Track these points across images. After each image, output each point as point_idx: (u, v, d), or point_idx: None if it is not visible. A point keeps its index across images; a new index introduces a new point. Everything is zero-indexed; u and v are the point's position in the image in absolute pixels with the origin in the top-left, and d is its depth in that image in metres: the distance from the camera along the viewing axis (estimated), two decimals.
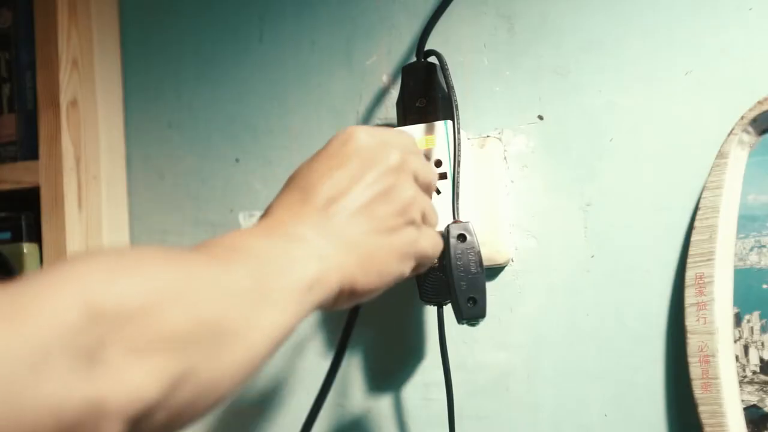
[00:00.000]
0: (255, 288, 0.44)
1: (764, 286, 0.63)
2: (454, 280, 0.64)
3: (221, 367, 0.41)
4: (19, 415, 0.32)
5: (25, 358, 0.32)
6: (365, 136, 0.54)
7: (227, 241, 0.46)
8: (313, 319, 0.82)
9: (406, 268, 0.54)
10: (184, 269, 0.41)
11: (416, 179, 0.55)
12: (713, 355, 0.63)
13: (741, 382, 0.63)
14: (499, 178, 0.74)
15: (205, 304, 0.40)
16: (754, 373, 0.63)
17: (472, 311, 0.65)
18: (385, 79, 0.80)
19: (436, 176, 0.60)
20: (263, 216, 0.51)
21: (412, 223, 0.54)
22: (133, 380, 0.36)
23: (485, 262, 0.68)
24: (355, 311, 0.59)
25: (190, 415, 0.40)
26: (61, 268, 0.36)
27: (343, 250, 0.49)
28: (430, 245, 0.56)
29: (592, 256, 0.71)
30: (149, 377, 0.36)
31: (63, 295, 0.35)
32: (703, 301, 0.63)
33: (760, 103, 0.63)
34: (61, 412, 0.33)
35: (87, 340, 0.34)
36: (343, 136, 0.54)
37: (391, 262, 0.52)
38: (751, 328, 0.63)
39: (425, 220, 0.56)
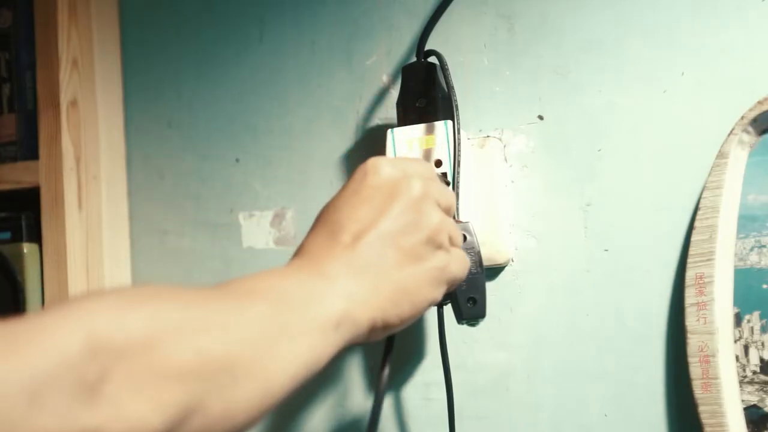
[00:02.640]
0: (273, 324, 0.43)
1: (764, 286, 0.63)
2: None
3: (234, 400, 0.41)
4: None
5: (23, 389, 0.33)
6: (386, 167, 0.53)
7: (249, 281, 0.46)
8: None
9: (438, 294, 0.54)
10: (194, 305, 0.41)
11: (438, 205, 0.55)
12: (713, 355, 0.63)
13: (741, 382, 0.63)
14: (499, 178, 0.74)
15: (214, 339, 0.40)
16: (755, 373, 0.63)
17: (472, 311, 0.65)
18: (385, 79, 0.80)
19: (455, 199, 0.59)
20: (294, 255, 0.51)
21: (440, 247, 0.53)
22: (135, 412, 0.36)
23: (485, 262, 0.68)
24: (390, 341, 0.58)
25: None
26: (65, 304, 0.37)
27: (372, 285, 0.49)
28: (460, 267, 0.56)
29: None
30: (152, 410, 0.36)
31: (66, 329, 0.35)
32: (703, 301, 0.63)
33: (760, 103, 0.63)
34: None
35: (88, 373, 0.35)
36: (364, 170, 0.54)
37: (423, 291, 0.52)
38: (751, 328, 0.63)
39: (452, 242, 0.55)
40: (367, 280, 0.49)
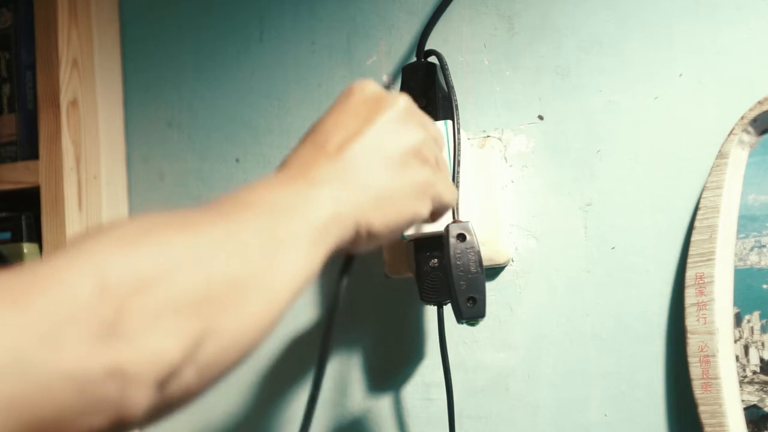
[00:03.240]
0: (269, 236, 0.44)
1: (764, 286, 0.63)
2: (453, 280, 0.64)
3: (244, 319, 0.41)
4: (35, 384, 0.33)
5: (39, 332, 0.34)
6: (372, 85, 0.55)
7: (240, 195, 0.47)
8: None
9: (423, 209, 0.54)
10: (194, 232, 0.41)
11: (424, 128, 0.55)
12: (713, 355, 0.63)
13: (741, 382, 0.63)
14: (499, 178, 0.74)
15: (219, 263, 0.41)
16: (755, 373, 0.63)
17: (471, 311, 0.65)
18: (385, 79, 0.80)
19: (443, 135, 0.60)
20: (278, 168, 0.51)
21: (425, 162, 0.54)
22: (153, 345, 0.37)
23: (485, 262, 0.68)
24: (349, 260, 0.56)
25: (220, 369, 0.41)
26: (72, 247, 0.37)
27: (358, 190, 0.50)
28: (447, 190, 0.56)
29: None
30: (169, 340, 0.37)
31: (76, 271, 0.36)
32: (703, 301, 0.63)
33: (760, 103, 0.63)
34: (79, 379, 0.34)
35: (103, 311, 0.35)
36: (350, 89, 0.55)
37: (407, 200, 0.53)
38: (751, 328, 0.63)
39: (439, 167, 0.56)
40: (353, 186, 0.50)
